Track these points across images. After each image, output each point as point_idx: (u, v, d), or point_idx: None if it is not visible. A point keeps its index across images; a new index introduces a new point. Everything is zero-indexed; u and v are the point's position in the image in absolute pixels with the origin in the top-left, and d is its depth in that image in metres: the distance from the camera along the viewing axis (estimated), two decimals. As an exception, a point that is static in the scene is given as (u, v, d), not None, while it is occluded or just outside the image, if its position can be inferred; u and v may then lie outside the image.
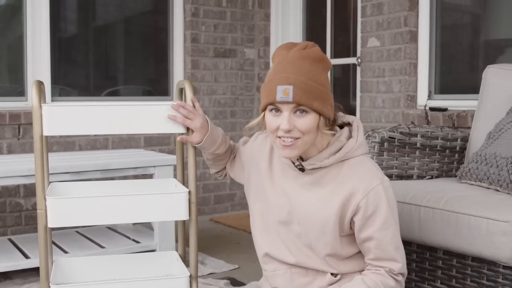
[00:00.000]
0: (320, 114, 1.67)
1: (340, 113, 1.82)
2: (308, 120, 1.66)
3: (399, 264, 1.74)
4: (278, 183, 1.83)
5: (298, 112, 1.65)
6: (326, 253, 1.76)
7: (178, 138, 1.86)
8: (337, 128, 1.80)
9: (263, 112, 1.72)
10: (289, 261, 1.83)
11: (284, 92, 1.63)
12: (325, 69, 1.71)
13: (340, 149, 1.75)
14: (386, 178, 1.75)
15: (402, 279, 1.77)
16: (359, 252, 1.81)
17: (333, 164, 1.74)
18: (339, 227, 1.74)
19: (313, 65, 1.67)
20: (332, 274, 1.80)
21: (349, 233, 1.77)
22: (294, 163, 1.77)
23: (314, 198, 1.76)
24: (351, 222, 1.74)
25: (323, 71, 1.70)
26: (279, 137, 1.68)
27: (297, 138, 1.67)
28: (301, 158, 1.77)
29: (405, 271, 1.78)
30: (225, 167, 2.04)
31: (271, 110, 1.69)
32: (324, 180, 1.75)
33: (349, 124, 1.83)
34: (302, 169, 1.76)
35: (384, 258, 1.73)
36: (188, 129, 1.83)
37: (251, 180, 1.92)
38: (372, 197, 1.70)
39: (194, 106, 1.83)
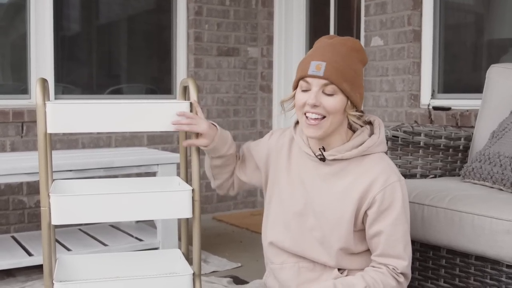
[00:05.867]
0: (348, 97, 1.70)
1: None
2: (335, 100, 1.70)
3: (405, 262, 1.74)
4: (296, 175, 1.85)
5: (326, 91, 1.69)
6: (339, 247, 1.77)
7: (184, 144, 1.85)
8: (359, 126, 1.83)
9: (295, 90, 1.77)
10: (291, 249, 1.84)
11: (316, 67, 1.69)
12: (360, 60, 1.76)
13: (362, 143, 1.77)
14: (403, 178, 1.78)
15: (404, 281, 1.76)
16: (369, 249, 1.81)
17: (354, 157, 1.77)
18: (354, 220, 1.75)
19: (350, 52, 1.72)
20: (339, 270, 1.80)
21: (361, 228, 1.78)
22: (315, 153, 1.78)
23: (333, 190, 1.77)
24: (364, 216, 1.75)
25: (358, 62, 1.75)
26: (305, 114, 1.72)
27: (323, 118, 1.70)
28: (323, 148, 1.78)
29: (409, 272, 1.77)
30: (231, 175, 2.00)
31: (302, 86, 1.73)
32: (343, 173, 1.77)
33: (370, 123, 1.85)
34: (322, 159, 1.77)
35: (391, 255, 1.74)
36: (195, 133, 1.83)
37: (268, 175, 1.93)
38: (389, 192, 1.72)
39: (196, 113, 1.82)
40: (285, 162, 1.89)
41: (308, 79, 1.71)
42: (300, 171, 1.85)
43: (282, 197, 1.87)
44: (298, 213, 1.83)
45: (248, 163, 1.99)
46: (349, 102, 1.72)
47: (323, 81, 1.68)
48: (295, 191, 1.84)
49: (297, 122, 1.89)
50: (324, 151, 1.78)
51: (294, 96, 1.78)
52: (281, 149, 1.91)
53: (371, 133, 1.82)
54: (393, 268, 1.74)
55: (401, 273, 1.75)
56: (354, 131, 1.82)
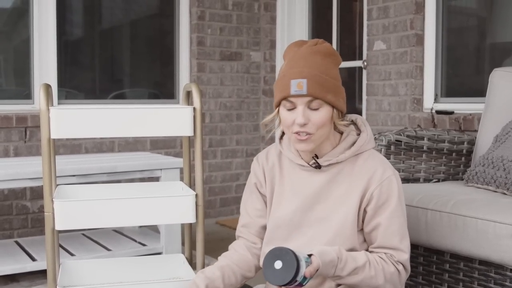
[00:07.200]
0: (333, 107, 1.70)
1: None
2: (322, 114, 1.69)
3: (405, 255, 1.74)
4: (289, 189, 1.83)
5: (312, 106, 1.68)
6: (345, 250, 1.76)
7: None
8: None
9: (277, 108, 1.75)
10: None
11: (298, 85, 1.67)
12: (336, 63, 1.75)
13: (354, 143, 1.78)
14: (396, 171, 1.79)
15: (402, 269, 1.75)
16: None
17: (348, 158, 1.77)
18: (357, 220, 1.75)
19: (325, 59, 1.71)
20: None
21: (361, 227, 1.78)
22: (308, 163, 1.78)
23: (333, 195, 1.77)
24: (364, 213, 1.75)
25: (334, 66, 1.74)
26: (295, 132, 1.71)
27: (312, 133, 1.69)
28: (316, 156, 1.77)
29: (408, 265, 1.77)
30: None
31: (285, 105, 1.71)
32: (340, 176, 1.77)
33: (352, 123, 1.86)
34: (318, 167, 1.77)
35: (388, 247, 1.74)
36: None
37: (268, 198, 1.91)
38: (385, 187, 1.73)
39: None
40: (277, 179, 1.87)
41: (291, 99, 1.69)
42: (294, 184, 1.83)
43: (276, 214, 1.85)
44: (294, 226, 1.81)
45: (259, 205, 1.92)
46: (335, 110, 1.72)
47: (308, 98, 1.68)
48: (289, 206, 1.82)
49: (281, 137, 1.88)
50: (317, 158, 1.78)
51: (276, 115, 1.77)
52: (273, 168, 1.89)
53: (358, 132, 1.82)
54: (390, 255, 1.74)
55: (401, 263, 1.75)
56: (339, 132, 1.81)
